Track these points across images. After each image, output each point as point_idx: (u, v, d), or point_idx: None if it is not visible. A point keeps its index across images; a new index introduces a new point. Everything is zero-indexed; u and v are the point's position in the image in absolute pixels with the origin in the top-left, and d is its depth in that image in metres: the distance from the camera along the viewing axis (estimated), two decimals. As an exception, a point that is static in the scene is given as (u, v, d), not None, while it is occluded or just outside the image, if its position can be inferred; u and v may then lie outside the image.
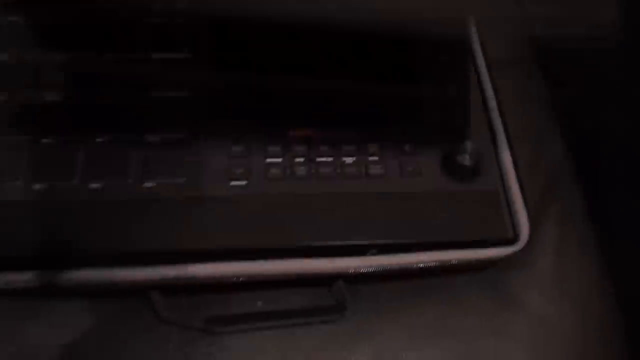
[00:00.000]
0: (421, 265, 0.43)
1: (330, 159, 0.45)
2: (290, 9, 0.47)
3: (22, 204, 0.41)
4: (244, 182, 0.44)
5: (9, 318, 0.42)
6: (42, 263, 0.39)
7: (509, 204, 0.46)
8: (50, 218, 0.41)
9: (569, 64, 0.58)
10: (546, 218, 0.50)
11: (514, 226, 0.45)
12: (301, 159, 0.45)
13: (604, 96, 0.55)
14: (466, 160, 0.45)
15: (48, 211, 0.41)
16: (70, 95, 0.44)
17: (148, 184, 0.43)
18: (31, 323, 0.42)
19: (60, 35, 0.46)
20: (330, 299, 0.45)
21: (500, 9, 0.58)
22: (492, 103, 0.50)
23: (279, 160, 0.45)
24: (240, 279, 0.41)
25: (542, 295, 0.47)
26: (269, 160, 0.45)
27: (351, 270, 0.43)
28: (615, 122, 0.54)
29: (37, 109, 0.44)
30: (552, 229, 0.50)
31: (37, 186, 0.41)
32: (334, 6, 0.48)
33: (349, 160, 0.45)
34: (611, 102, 0.55)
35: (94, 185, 0.42)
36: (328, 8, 0.48)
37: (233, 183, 0.44)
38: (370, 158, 0.46)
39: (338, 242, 0.43)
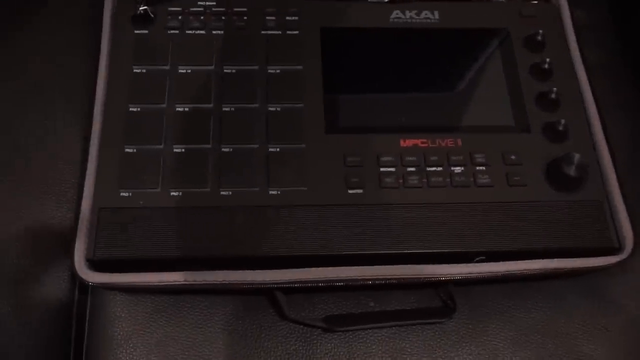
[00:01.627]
0: (523, 272, 0.46)
1: (440, 168, 0.48)
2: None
3: (164, 210, 0.45)
4: (360, 191, 0.47)
5: (152, 312, 0.47)
6: (187, 264, 0.44)
7: (612, 213, 0.48)
8: (187, 223, 0.45)
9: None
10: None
11: (618, 235, 0.47)
12: (413, 169, 0.48)
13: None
14: (572, 170, 0.47)
15: (185, 217, 0.45)
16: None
17: (273, 191, 0.46)
18: (171, 316, 0.47)
19: None
20: (438, 300, 0.48)
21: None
22: (593, 110, 0.52)
23: (393, 169, 0.48)
24: (360, 282, 0.45)
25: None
26: (383, 169, 0.48)
27: (459, 277, 0.46)
28: None
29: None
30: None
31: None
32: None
33: (457, 169, 0.48)
34: None
35: (224, 193, 0.46)
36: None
37: (350, 191, 0.47)
38: (478, 168, 0.48)
39: (448, 250, 0.46)
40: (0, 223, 0.49)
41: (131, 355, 0.46)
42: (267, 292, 0.47)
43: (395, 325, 0.46)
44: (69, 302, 0.49)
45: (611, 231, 0.47)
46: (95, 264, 0.44)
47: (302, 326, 0.47)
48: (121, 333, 0.46)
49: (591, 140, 0.50)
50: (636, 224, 0.48)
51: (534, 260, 0.46)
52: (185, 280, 0.44)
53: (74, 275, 0.45)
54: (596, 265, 0.46)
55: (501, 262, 0.46)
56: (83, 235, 0.44)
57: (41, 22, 0.56)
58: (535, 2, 0.56)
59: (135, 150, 0.47)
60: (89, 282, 0.44)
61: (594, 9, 0.62)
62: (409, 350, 0.47)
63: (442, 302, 0.48)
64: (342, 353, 0.47)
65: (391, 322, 0.46)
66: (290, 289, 0.46)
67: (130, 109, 0.48)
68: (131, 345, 0.46)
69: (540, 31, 0.53)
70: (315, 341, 0.47)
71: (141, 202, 0.45)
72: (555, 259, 0.46)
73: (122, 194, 0.45)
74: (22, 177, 0.51)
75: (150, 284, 0.44)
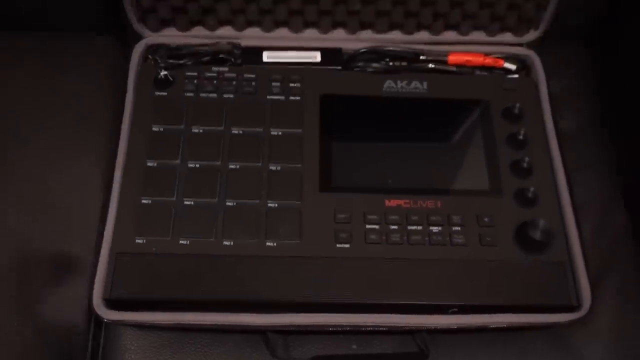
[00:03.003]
0: (490, 325, 0.51)
1: (420, 227, 0.53)
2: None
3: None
4: (347, 245, 0.53)
5: (158, 346, 0.53)
6: (192, 306, 0.50)
7: (573, 274, 0.53)
8: (193, 269, 0.51)
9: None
10: (607, 285, 0.57)
11: (578, 295, 0.52)
12: (395, 227, 0.53)
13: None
14: (537, 234, 0.53)
15: (192, 263, 0.51)
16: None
17: (270, 243, 0.52)
18: (175, 351, 0.53)
19: None
20: (414, 346, 0.54)
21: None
22: (562, 179, 0.57)
23: (377, 227, 0.53)
24: (346, 328, 0.50)
25: (603, 351, 0.54)
26: (368, 226, 0.53)
27: (434, 327, 0.51)
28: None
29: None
30: (613, 295, 0.56)
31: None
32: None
33: (435, 229, 0.54)
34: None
35: (226, 243, 0.52)
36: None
37: (339, 245, 0.53)
38: (454, 228, 0.54)
39: (425, 302, 0.51)
40: (29, 259, 0.55)
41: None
42: (261, 332, 0.52)
43: (374, 366, 0.52)
44: (84, 333, 0.55)
45: (571, 291, 0.52)
46: (111, 303, 0.50)
47: (291, 364, 0.53)
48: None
49: (558, 207, 0.56)
50: (594, 284, 0.53)
51: (501, 315, 0.51)
52: (188, 320, 0.50)
53: (90, 311, 0.52)
54: (557, 321, 0.52)
55: (472, 315, 0.51)
56: (101, 276, 0.51)
57: (71, 82, 0.63)
58: (516, 76, 0.63)
59: (150, 202, 0.53)
60: (104, 319, 0.50)
61: (570, 80, 0.68)
62: (386, 390, 0.53)
63: (417, 348, 0.53)
64: (326, 390, 0.52)
65: (371, 364, 0.52)
66: (281, 332, 0.52)
67: (148, 164, 0.55)
68: (139, 375, 0.52)
69: (517, 104, 0.59)
70: (302, 378, 0.53)
71: (154, 249, 0.51)
72: (521, 314, 0.51)
73: (137, 240, 0.52)
74: (50, 220, 0.57)
75: (158, 322, 0.50)
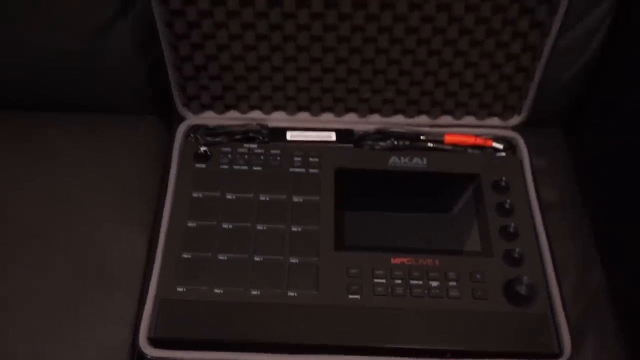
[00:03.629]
0: (483, 369, 0.58)
1: (420, 282, 0.62)
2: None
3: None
4: (357, 297, 0.61)
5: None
6: (225, 346, 0.58)
7: (555, 325, 0.60)
8: (225, 314, 0.59)
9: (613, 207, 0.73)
10: (587, 335, 0.64)
11: (559, 343, 0.59)
12: (399, 281, 0.62)
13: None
14: (522, 289, 0.61)
15: (224, 309, 0.59)
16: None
17: (292, 293, 0.61)
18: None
19: None
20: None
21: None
22: (544, 241, 0.65)
23: (384, 281, 0.62)
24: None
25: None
26: (376, 280, 0.62)
27: (433, 369, 0.58)
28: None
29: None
30: (592, 343, 0.64)
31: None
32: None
33: (434, 283, 0.62)
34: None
35: (254, 292, 0.61)
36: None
37: (350, 296, 0.61)
38: (450, 283, 0.62)
39: (424, 347, 0.59)
40: (81, 303, 0.65)
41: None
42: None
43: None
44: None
45: (553, 339, 0.60)
46: (154, 341, 0.58)
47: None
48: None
49: (541, 266, 0.64)
50: (575, 333, 0.61)
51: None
52: (220, 358, 0.58)
53: (134, 350, 0.60)
54: (542, 366, 0.59)
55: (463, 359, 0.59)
56: (147, 318, 0.59)
57: (123, 156, 0.75)
58: (503, 154, 0.73)
59: (190, 256, 0.62)
60: (147, 356, 0.58)
61: (550, 158, 0.78)
62: None
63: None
64: None
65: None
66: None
67: (188, 225, 0.64)
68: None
69: (504, 178, 0.69)
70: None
71: (192, 296, 0.60)
72: (509, 359, 0.59)
73: (178, 289, 0.60)
74: (98, 274, 0.66)
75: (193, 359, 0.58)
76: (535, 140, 0.74)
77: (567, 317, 0.61)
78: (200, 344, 0.58)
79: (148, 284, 0.61)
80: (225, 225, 0.65)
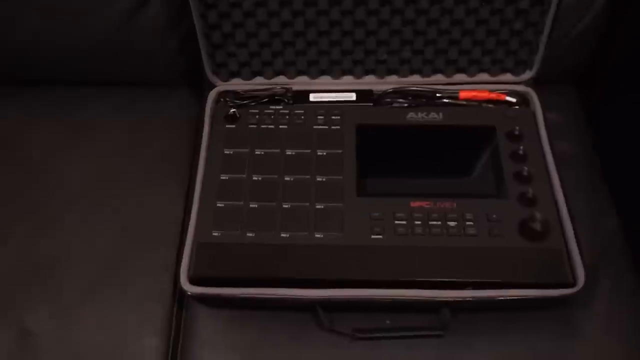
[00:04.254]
0: (501, 298, 0.62)
1: (439, 222, 0.66)
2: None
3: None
4: (380, 237, 0.65)
5: (226, 320, 0.65)
6: (257, 283, 0.63)
7: (569, 258, 0.63)
8: (257, 255, 0.64)
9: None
10: (602, 272, 0.67)
11: (573, 274, 0.63)
12: (419, 222, 0.66)
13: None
14: (537, 225, 0.64)
15: (256, 250, 0.64)
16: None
17: (318, 235, 0.65)
18: (242, 324, 0.65)
19: None
20: (437, 321, 0.64)
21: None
22: (557, 184, 0.68)
23: (404, 222, 0.66)
24: (382, 299, 0.61)
25: (596, 329, 0.64)
26: (397, 222, 0.66)
27: (454, 299, 0.62)
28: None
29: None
30: (604, 281, 0.67)
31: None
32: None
33: (452, 224, 0.66)
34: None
35: (283, 235, 0.65)
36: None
37: (373, 236, 0.65)
38: (467, 223, 0.66)
39: (445, 279, 0.63)
40: (129, 250, 0.71)
41: (214, 348, 0.64)
42: (310, 307, 0.64)
43: (403, 336, 0.63)
44: (171, 303, 0.69)
45: (567, 271, 0.63)
46: (193, 280, 0.63)
47: (335, 334, 0.64)
48: (205, 334, 0.65)
49: (555, 205, 0.67)
50: (588, 267, 0.63)
51: (508, 290, 0.62)
52: (253, 294, 0.63)
53: (175, 289, 0.65)
54: (557, 295, 0.62)
55: (486, 290, 0.62)
56: (186, 259, 0.64)
57: (160, 123, 0.81)
58: (517, 107, 0.76)
59: (224, 205, 0.67)
60: (187, 292, 0.63)
61: (565, 112, 0.81)
62: (415, 357, 0.63)
63: (440, 323, 0.64)
64: (365, 357, 0.63)
65: (399, 333, 0.63)
66: (327, 306, 0.64)
67: (221, 177, 0.70)
68: (212, 343, 0.65)
69: (517, 127, 0.72)
70: (344, 347, 0.64)
71: (226, 240, 0.65)
72: (525, 289, 0.62)
73: (214, 233, 0.66)
74: (141, 228, 0.72)
75: (228, 294, 0.63)
76: (549, 96, 0.77)
77: (580, 251, 0.64)
78: (235, 281, 0.63)
79: (186, 232, 0.66)
80: (255, 177, 0.69)
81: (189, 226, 0.66)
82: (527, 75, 0.77)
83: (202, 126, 0.74)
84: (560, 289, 0.62)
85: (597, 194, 0.76)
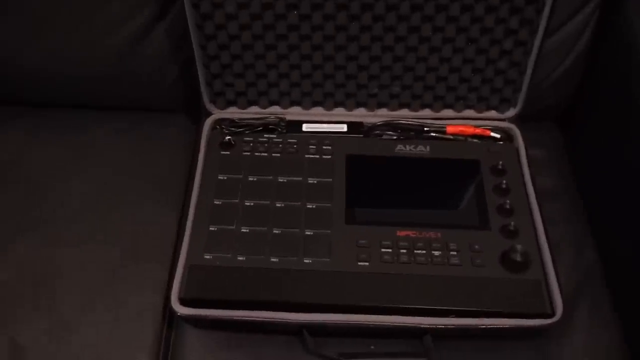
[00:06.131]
0: (482, 326, 0.64)
1: (424, 251, 0.68)
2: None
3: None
4: (366, 264, 0.67)
5: (217, 342, 0.67)
6: (246, 305, 0.64)
7: (548, 289, 0.66)
8: (247, 279, 0.66)
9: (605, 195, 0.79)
10: (579, 303, 0.69)
11: (552, 305, 0.65)
12: (404, 251, 0.68)
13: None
14: (518, 257, 0.67)
15: (246, 274, 0.66)
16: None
17: (307, 260, 0.67)
18: (231, 346, 0.67)
19: None
20: (421, 348, 0.66)
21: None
22: (537, 217, 0.71)
23: (390, 250, 0.68)
24: (365, 325, 0.63)
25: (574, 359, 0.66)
26: (383, 250, 0.68)
27: (436, 326, 0.64)
28: None
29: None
30: (582, 312, 0.69)
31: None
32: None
33: (436, 253, 0.68)
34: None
35: (273, 259, 0.67)
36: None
37: (360, 263, 0.67)
38: (451, 252, 0.68)
39: (428, 306, 0.65)
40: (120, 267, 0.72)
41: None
42: (298, 330, 0.66)
43: (388, 360, 0.65)
44: (160, 325, 0.70)
45: (546, 302, 0.65)
46: (184, 301, 0.65)
47: (321, 358, 0.65)
48: (195, 354, 0.67)
49: (535, 238, 0.70)
50: (567, 299, 0.66)
51: (489, 319, 0.64)
52: (241, 316, 0.64)
53: (165, 310, 0.67)
54: (535, 325, 0.64)
55: (467, 318, 0.64)
56: (178, 281, 0.66)
57: (157, 147, 0.84)
58: (501, 143, 0.79)
59: (216, 229, 0.70)
60: (177, 313, 0.64)
61: (547, 149, 0.85)
62: (398, 382, 0.65)
63: (423, 349, 0.66)
64: (349, 381, 0.65)
65: (385, 358, 0.64)
66: (313, 330, 0.65)
67: (215, 202, 0.72)
68: (201, 365, 0.66)
69: (501, 162, 0.75)
70: (330, 371, 0.65)
71: (218, 263, 0.67)
72: (505, 319, 0.64)
73: (205, 256, 0.68)
74: (135, 248, 0.74)
75: (217, 316, 0.64)
76: (532, 133, 0.81)
77: (559, 282, 0.66)
78: (224, 303, 0.65)
79: (179, 253, 0.68)
80: (247, 203, 0.72)
81: (182, 248, 0.68)
82: (511, 112, 0.80)
83: (198, 152, 0.77)
84: (539, 319, 0.64)
85: (577, 226, 0.78)
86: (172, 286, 0.66)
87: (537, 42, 0.73)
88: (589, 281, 0.73)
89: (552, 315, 0.64)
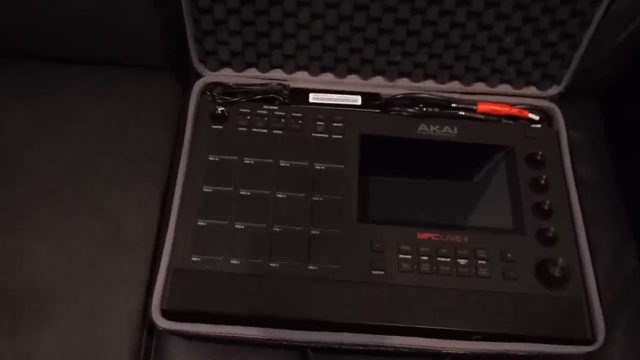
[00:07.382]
0: (511, 352, 0.55)
1: (448, 259, 0.58)
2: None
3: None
4: (382, 272, 0.58)
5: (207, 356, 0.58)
6: (238, 320, 0.55)
7: (589, 310, 0.57)
8: (241, 287, 0.56)
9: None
10: (620, 323, 0.61)
11: (593, 329, 0.57)
12: (426, 258, 0.58)
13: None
14: (556, 271, 0.57)
15: (240, 282, 0.56)
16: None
17: (312, 267, 0.57)
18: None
19: None
20: (439, 369, 0.58)
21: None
22: (579, 221, 0.62)
23: (409, 257, 0.58)
24: (377, 348, 0.55)
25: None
26: (401, 256, 0.58)
27: (458, 352, 0.55)
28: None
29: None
30: (625, 331, 0.61)
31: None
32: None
33: (462, 262, 0.58)
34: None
35: (273, 264, 0.57)
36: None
37: (374, 272, 0.58)
38: (479, 262, 0.59)
39: (450, 328, 0.56)
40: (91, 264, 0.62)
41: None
42: (300, 349, 0.57)
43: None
44: (138, 340, 0.60)
45: (587, 325, 0.57)
46: (166, 313, 0.55)
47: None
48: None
49: (576, 247, 0.60)
50: (609, 320, 0.58)
51: (520, 344, 0.56)
52: (234, 333, 0.55)
53: (144, 321, 0.57)
54: (573, 352, 0.56)
55: (493, 342, 0.56)
56: (159, 289, 0.56)
57: (137, 113, 0.71)
58: (539, 125, 0.68)
59: (206, 224, 0.59)
60: (159, 327, 0.55)
61: (588, 130, 0.74)
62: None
63: (442, 372, 0.58)
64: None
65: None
66: (318, 349, 0.57)
67: (204, 190, 0.61)
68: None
69: (540, 152, 0.64)
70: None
71: (207, 267, 0.57)
72: (539, 344, 0.56)
73: (193, 258, 0.57)
74: (111, 236, 0.64)
75: (205, 333, 0.55)
76: (571, 112, 0.70)
77: (601, 302, 0.58)
78: (214, 317, 0.55)
79: (161, 252, 0.58)
80: (243, 192, 0.61)
81: (164, 248, 0.58)
82: (554, 90, 0.69)
83: (185, 124, 0.65)
84: (577, 346, 0.56)
85: (615, 227, 0.69)
86: (152, 293, 0.56)
87: (598, 13, 0.60)
88: (629, 294, 0.64)
89: (593, 341, 0.56)
